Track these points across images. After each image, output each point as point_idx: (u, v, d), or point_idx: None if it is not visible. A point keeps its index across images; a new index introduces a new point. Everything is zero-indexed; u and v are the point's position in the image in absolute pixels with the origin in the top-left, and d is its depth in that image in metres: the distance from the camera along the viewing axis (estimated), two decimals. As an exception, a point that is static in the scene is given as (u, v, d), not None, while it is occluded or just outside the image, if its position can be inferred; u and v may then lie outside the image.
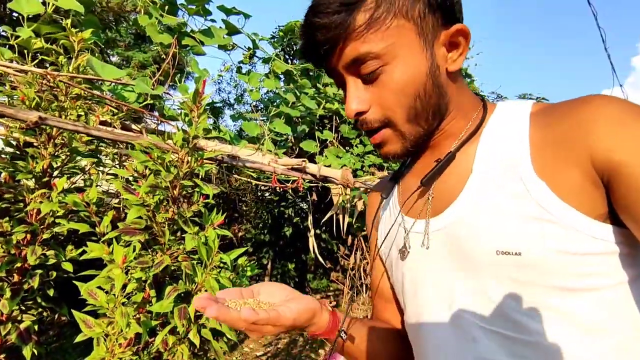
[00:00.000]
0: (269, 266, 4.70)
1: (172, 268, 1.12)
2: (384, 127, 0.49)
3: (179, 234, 1.14)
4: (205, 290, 1.02)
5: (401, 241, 0.56)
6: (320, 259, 2.39)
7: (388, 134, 0.50)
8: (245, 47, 2.47)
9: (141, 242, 1.08)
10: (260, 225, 4.52)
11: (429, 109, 0.48)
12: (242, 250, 1.13)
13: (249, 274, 1.29)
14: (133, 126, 1.61)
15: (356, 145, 2.73)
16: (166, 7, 1.91)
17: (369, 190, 2.25)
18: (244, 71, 2.62)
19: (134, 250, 1.01)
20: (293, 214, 4.38)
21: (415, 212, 0.55)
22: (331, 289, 5.69)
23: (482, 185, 0.47)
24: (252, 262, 1.28)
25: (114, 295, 0.97)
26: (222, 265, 1.09)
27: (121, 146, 1.51)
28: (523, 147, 0.44)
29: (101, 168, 1.49)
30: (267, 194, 4.52)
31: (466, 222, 0.47)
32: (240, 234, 4.45)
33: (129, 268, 1.00)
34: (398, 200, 0.60)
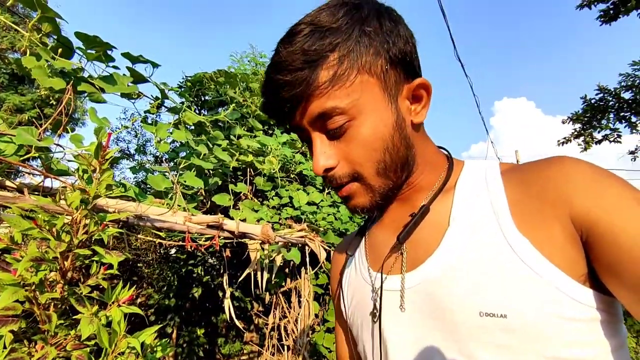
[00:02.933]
0: (173, 335, 4.16)
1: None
2: (352, 181, 0.48)
3: (70, 314, 0.92)
4: (105, 387, 0.82)
5: (370, 302, 0.52)
6: (236, 320, 2.20)
7: (355, 187, 0.48)
8: (151, 96, 2.33)
9: (14, 332, 0.84)
10: (165, 288, 4.04)
11: (397, 162, 0.48)
12: (154, 329, 0.96)
13: (159, 355, 1.09)
14: (7, 182, 1.34)
15: (272, 198, 2.69)
16: (59, 50, 1.71)
17: (330, 247, 2.20)
18: (149, 121, 2.45)
19: (4, 346, 0.78)
20: (202, 273, 4.03)
21: (385, 268, 0.52)
22: (245, 351, 5.25)
23: (460, 240, 0.44)
24: (163, 340, 1.09)
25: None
26: (127, 349, 0.90)
27: (-10, 208, 1.22)
28: (501, 202, 0.44)
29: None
30: (172, 252, 4.11)
31: (445, 279, 0.44)
32: (139, 300, 3.89)
33: (-6, 370, 0.76)
34: (365, 257, 0.58)
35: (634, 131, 6.22)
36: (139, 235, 1.98)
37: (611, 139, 6.51)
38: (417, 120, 0.49)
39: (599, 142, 6.65)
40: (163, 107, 2.41)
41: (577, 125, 6.64)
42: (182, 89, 3.62)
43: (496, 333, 0.39)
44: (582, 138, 6.69)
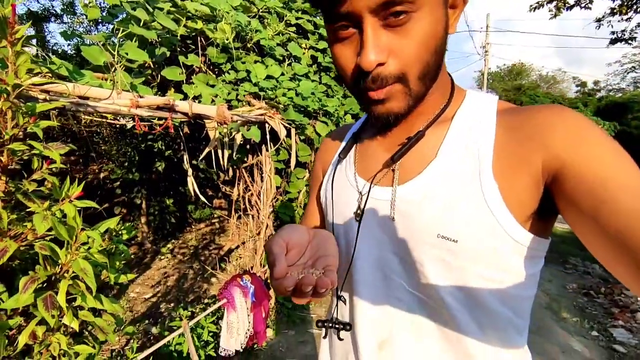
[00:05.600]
0: (143, 205, 4.34)
1: (21, 250, 0.92)
2: (396, 82, 0.45)
3: (21, 211, 0.92)
4: (74, 272, 0.88)
5: (355, 203, 0.58)
6: (201, 196, 2.30)
7: (397, 89, 0.46)
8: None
9: (-34, 228, 0.84)
10: (126, 163, 4.01)
11: (435, 68, 0.46)
12: (115, 220, 0.98)
13: (125, 237, 1.15)
14: None
15: (227, 72, 2.51)
16: None
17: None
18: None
19: (-42, 244, 0.79)
20: (164, 147, 3.99)
21: (375, 180, 0.57)
22: (215, 215, 5.67)
23: (441, 172, 0.49)
24: (127, 224, 1.14)
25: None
26: (90, 239, 0.94)
27: None
28: (488, 144, 0.47)
29: None
30: (129, 126, 3.95)
31: (418, 203, 0.50)
32: (102, 175, 3.89)
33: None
34: (354, 162, 0.62)
35: (607, -4, 5.95)
36: (85, 116, 1.85)
37: (582, 4, 6.25)
38: (451, 30, 0.47)
39: (570, 7, 6.37)
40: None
41: (553, -11, 6.24)
42: None
43: (445, 252, 0.47)
44: (554, 3, 6.37)
